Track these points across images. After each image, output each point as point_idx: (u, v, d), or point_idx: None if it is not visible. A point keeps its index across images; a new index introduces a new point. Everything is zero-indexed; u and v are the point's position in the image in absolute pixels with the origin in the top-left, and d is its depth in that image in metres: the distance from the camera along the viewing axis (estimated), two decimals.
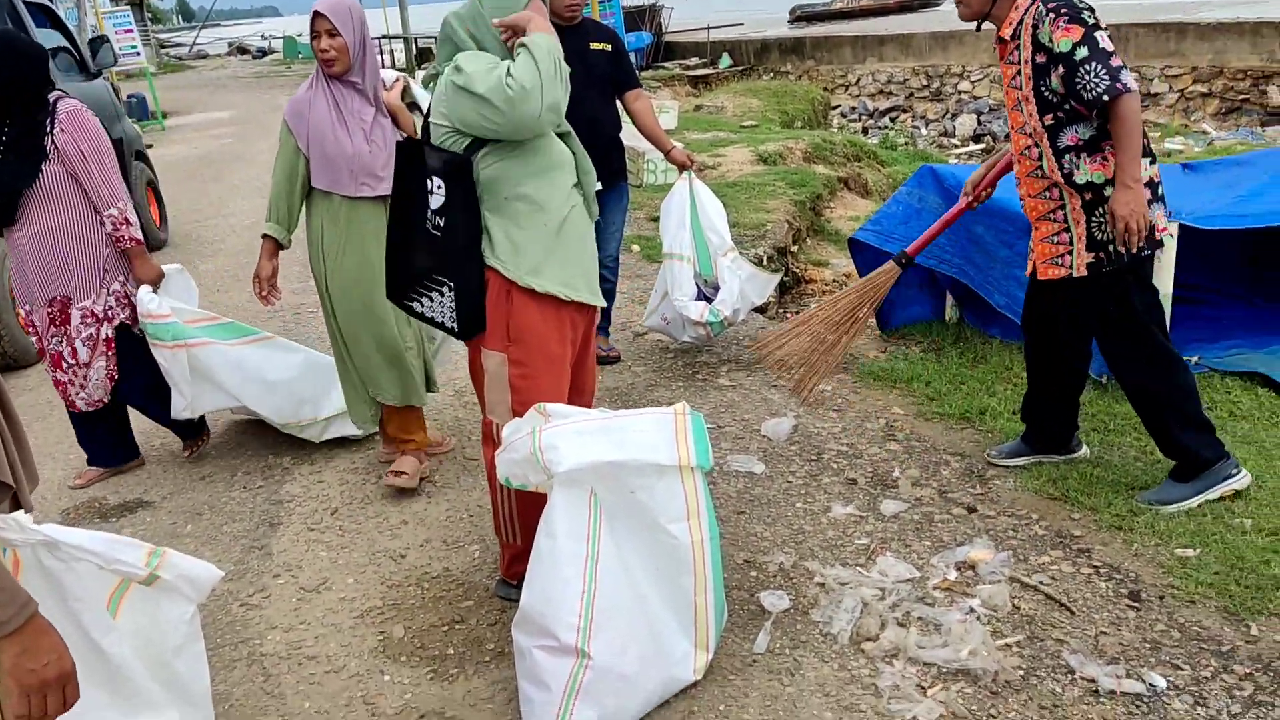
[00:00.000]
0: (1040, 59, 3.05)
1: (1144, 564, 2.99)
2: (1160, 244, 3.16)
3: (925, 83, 19.11)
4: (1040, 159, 3.18)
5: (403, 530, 3.49)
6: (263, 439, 4.31)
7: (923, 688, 2.53)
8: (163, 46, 38.25)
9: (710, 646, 2.59)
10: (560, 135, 2.78)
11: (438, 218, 2.67)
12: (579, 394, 2.96)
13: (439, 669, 2.74)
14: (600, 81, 4.47)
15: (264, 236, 3.60)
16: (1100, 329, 3.28)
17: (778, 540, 3.26)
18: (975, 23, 3.29)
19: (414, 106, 3.56)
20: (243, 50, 39.97)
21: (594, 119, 4.38)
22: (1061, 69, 2.99)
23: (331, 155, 3.43)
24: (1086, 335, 3.37)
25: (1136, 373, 3.26)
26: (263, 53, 37.99)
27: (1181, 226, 3.92)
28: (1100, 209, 3.10)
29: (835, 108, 19.27)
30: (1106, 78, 2.91)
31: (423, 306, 2.77)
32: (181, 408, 3.94)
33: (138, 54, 16.74)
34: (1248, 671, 2.51)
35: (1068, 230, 3.18)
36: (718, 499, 3.52)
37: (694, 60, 21.96)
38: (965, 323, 5.14)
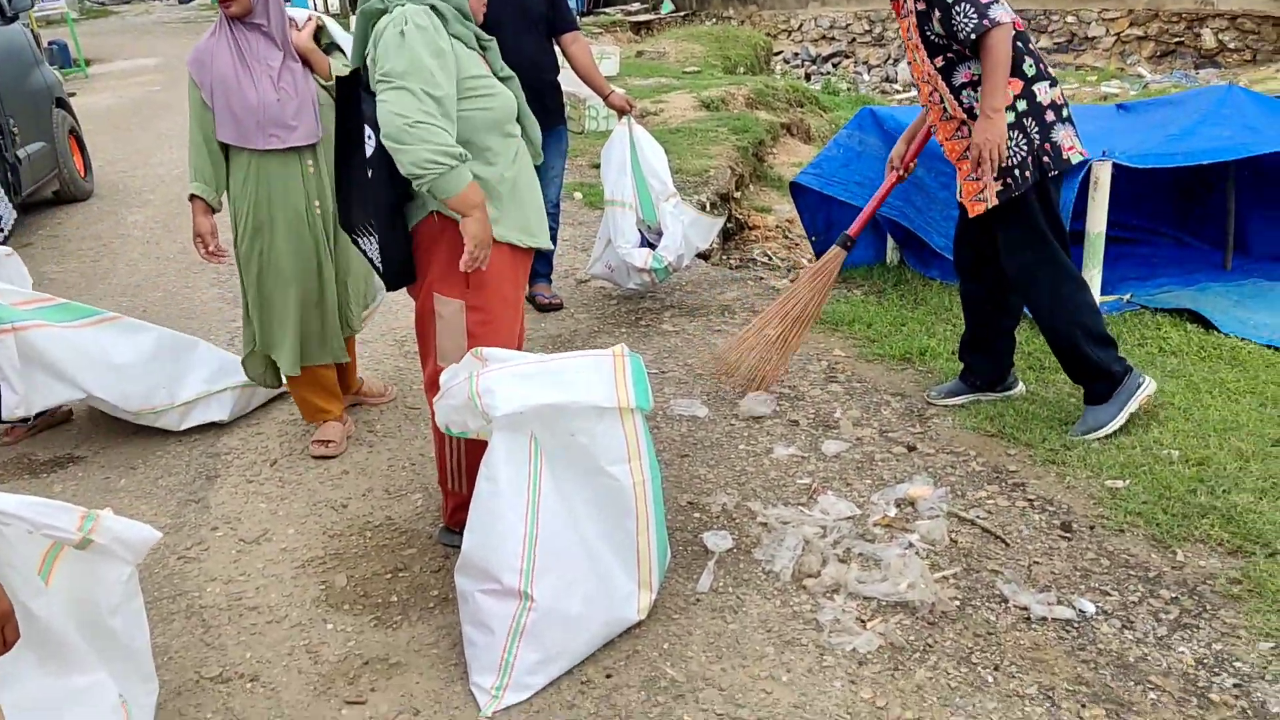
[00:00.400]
0: (920, 6, 3.14)
1: (1076, 496, 3.07)
2: (1069, 163, 3.20)
3: (868, 28, 19.06)
4: (943, 101, 3.25)
5: (344, 480, 3.45)
6: None
7: (862, 621, 2.58)
8: None
9: (654, 586, 2.61)
10: (503, 79, 2.71)
11: (368, 167, 2.61)
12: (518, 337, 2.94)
13: (382, 616, 2.72)
14: (536, 24, 4.38)
15: (192, 197, 3.38)
16: (1010, 252, 3.32)
17: (720, 482, 3.28)
18: None
19: (333, 47, 3.39)
20: None
21: (531, 61, 4.29)
22: (938, 13, 3.09)
23: (236, 107, 3.23)
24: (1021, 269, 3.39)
25: (1044, 293, 3.31)
26: None
27: (1115, 165, 3.97)
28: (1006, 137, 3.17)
29: (778, 54, 19.16)
30: (975, 15, 3.01)
31: (364, 245, 2.75)
32: (14, 405, 3.54)
33: None
34: (1173, 596, 2.60)
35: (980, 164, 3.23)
36: (661, 443, 3.53)
37: (635, 5, 21.61)
38: (906, 265, 5.18)
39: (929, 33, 3.15)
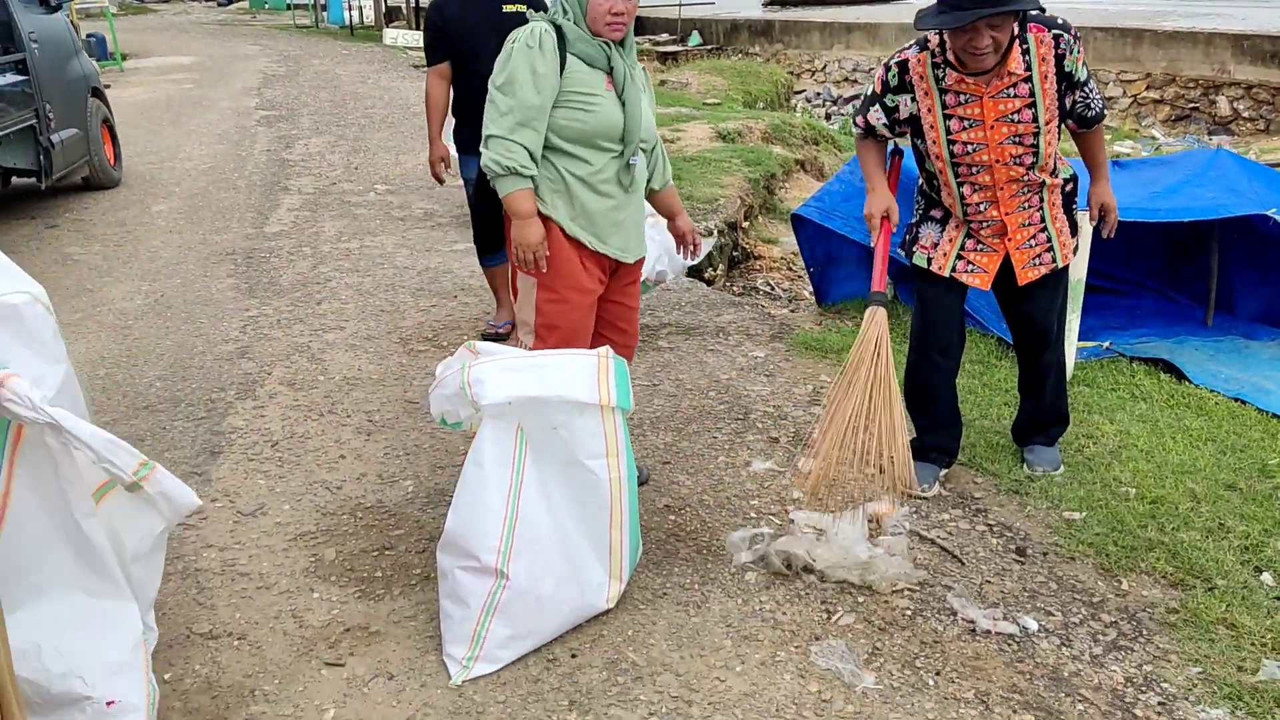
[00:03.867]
0: (1061, 87, 3.09)
1: (1034, 524, 3.22)
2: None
3: None
4: (1041, 185, 3.20)
5: (340, 464, 3.62)
6: (206, 372, 4.41)
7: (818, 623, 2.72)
8: None
9: (623, 578, 2.77)
10: (624, 100, 2.92)
11: None
12: (621, 334, 3.22)
13: (366, 589, 2.88)
14: None
15: None
16: (1050, 309, 3.42)
17: (698, 489, 3.43)
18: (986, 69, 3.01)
19: None
20: None
21: None
22: (1076, 93, 3.14)
23: None
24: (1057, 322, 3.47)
25: (1061, 343, 3.53)
26: (228, 0, 37.34)
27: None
28: (1075, 199, 3.39)
29: (800, 92, 19.45)
30: (1099, 99, 3.22)
31: None
32: None
33: None
34: (1113, 620, 2.74)
35: (1044, 230, 3.28)
36: (646, 449, 3.69)
37: (664, 36, 22.00)
38: (899, 301, 5.35)
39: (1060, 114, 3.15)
